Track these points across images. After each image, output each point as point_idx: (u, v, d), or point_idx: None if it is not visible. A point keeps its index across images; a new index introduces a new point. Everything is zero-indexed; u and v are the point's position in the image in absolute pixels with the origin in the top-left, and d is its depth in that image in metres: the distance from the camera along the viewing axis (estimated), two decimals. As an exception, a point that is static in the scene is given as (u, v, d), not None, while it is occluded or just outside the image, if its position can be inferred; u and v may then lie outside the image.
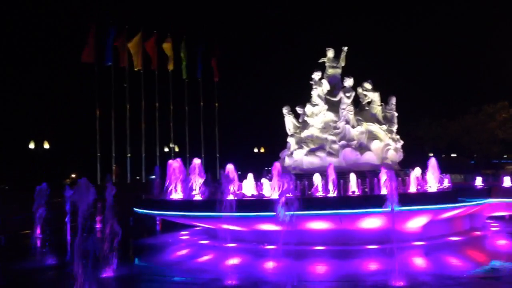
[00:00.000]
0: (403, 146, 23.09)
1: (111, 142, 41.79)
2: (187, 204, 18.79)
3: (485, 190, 19.49)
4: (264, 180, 20.66)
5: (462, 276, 12.24)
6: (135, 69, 44.05)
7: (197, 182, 18.50)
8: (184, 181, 18.95)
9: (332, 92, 23.06)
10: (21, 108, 54.64)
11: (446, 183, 20.67)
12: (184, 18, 66.31)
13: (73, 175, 56.03)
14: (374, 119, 22.41)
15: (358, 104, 23.22)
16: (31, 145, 40.10)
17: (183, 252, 17.90)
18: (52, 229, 21.72)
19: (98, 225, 24.50)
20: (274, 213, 16.46)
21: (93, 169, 41.51)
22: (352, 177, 19.38)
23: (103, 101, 42.26)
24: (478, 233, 18.96)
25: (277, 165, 18.92)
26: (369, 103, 22.91)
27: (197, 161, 18.82)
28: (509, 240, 17.86)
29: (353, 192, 18.80)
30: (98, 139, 41.36)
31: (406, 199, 17.42)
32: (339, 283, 12.14)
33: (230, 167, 16.42)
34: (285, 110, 23.93)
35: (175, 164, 19.12)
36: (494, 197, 18.94)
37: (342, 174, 20.00)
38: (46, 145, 40.71)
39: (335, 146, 21.59)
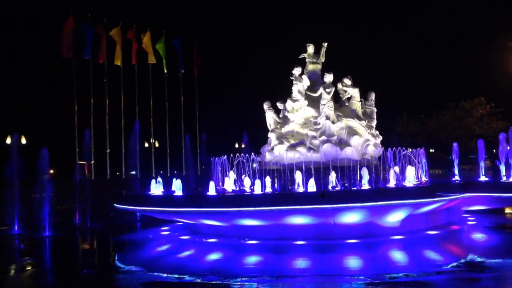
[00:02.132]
0: (382, 142, 23.33)
1: (90, 137, 41.25)
2: (167, 199, 18.75)
3: (462, 184, 19.84)
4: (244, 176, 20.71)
5: (440, 269, 12.46)
6: (115, 63, 43.56)
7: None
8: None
9: (312, 87, 23.14)
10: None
11: (424, 178, 20.99)
12: (164, 13, 65.83)
13: (51, 171, 55.21)
14: (354, 114, 22.54)
15: (338, 99, 23.34)
16: (8, 140, 39.36)
17: (164, 247, 17.84)
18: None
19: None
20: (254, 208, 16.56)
21: (72, 164, 40.94)
22: (332, 172, 19.55)
23: (82, 95, 41.74)
24: (456, 227, 19.30)
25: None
26: (348, 99, 23.02)
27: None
28: (485, 233, 18.22)
29: (333, 187, 18.93)
30: (76, 134, 40.84)
31: (385, 193, 17.63)
32: (319, 277, 12.23)
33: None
34: (265, 106, 23.93)
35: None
36: (471, 192, 19.30)
37: (322, 169, 20.13)
38: (23, 140, 40.00)
39: (316, 142, 21.70)
